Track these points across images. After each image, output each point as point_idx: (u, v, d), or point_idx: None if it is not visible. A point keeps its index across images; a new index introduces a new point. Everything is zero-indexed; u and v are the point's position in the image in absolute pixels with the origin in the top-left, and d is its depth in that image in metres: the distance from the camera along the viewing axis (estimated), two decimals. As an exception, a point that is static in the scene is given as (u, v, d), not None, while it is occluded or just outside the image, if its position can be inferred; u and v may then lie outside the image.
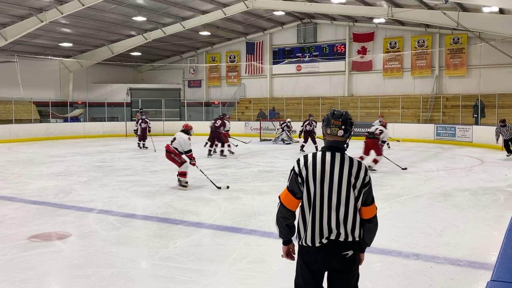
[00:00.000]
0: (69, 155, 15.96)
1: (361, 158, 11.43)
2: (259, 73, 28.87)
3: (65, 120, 26.65)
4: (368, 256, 5.12)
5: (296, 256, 2.89)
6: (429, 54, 23.97)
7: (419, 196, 8.57)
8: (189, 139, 9.49)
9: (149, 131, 18.27)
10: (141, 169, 12.29)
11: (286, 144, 20.13)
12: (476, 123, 19.91)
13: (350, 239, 2.71)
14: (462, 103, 21.42)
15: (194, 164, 9.37)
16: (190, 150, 9.38)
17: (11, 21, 20.66)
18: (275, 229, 6.16)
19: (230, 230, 6.28)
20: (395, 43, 24.77)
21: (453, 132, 19.67)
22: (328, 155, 2.75)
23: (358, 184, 2.71)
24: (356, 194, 2.70)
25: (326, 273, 2.83)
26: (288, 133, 20.60)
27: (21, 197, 8.61)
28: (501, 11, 17.50)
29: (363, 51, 25.58)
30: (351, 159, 2.76)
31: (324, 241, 2.69)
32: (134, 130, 18.53)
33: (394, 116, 23.22)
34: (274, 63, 28.28)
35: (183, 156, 9.44)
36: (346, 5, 21.17)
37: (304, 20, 26.80)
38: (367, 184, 2.74)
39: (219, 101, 29.36)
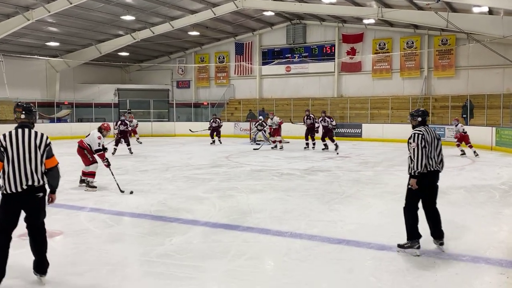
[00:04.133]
0: (57, 155, 15.51)
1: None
2: (248, 73, 28.75)
3: (52, 120, 26.20)
4: (369, 252, 5.08)
5: None
6: (418, 55, 24.08)
7: (414, 193, 8.50)
8: (99, 138, 9.07)
9: (131, 134, 16.30)
10: (131, 168, 12.08)
11: (257, 144, 19.10)
12: (466, 123, 20.02)
13: (40, 183, 4.10)
14: (451, 104, 21.54)
15: (107, 166, 8.92)
16: (100, 150, 9.03)
17: (-4, 20, 20.30)
18: (272, 226, 6.07)
19: (227, 227, 6.14)
20: (384, 44, 24.84)
21: (443, 132, 19.71)
22: (19, 130, 4.08)
23: (42, 146, 4.09)
24: (41, 153, 4.08)
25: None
26: (264, 133, 19.63)
27: (9, 196, 8.35)
28: (490, 11, 17.62)
29: (352, 52, 25.61)
30: (35, 132, 4.12)
31: (25, 187, 4.00)
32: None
33: (383, 117, 23.27)
34: (264, 63, 28.18)
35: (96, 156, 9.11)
36: (336, 5, 21.15)
37: (294, 21, 26.76)
38: (48, 145, 4.14)
39: (208, 102, 29.17)
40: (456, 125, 15.54)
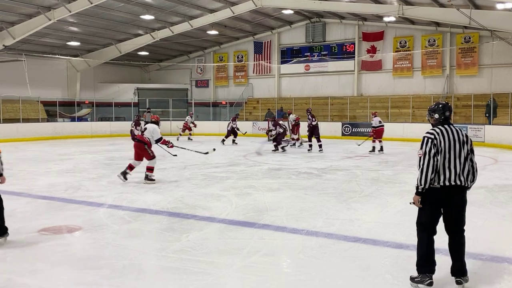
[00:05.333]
0: (77, 154, 15.90)
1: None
2: (267, 72, 28.73)
3: (72, 119, 26.62)
4: (386, 250, 5.02)
5: None
6: (439, 53, 23.72)
7: (434, 192, 8.38)
8: (159, 127, 9.98)
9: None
10: (150, 166, 12.16)
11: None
12: (489, 122, 19.67)
13: None
14: (473, 103, 21.15)
15: (172, 146, 10.11)
16: (162, 138, 9.77)
17: (19, 20, 20.65)
18: (288, 224, 6.05)
19: (243, 224, 6.14)
20: (405, 42, 24.54)
21: (465, 132, 19.44)
22: None
23: None
24: None
25: None
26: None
27: (30, 192, 8.53)
28: (514, 8, 17.25)
29: (372, 50, 25.36)
30: None
31: None
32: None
33: (405, 116, 22.99)
34: (282, 62, 28.11)
35: (152, 149, 9.72)
36: (356, 3, 20.98)
37: (313, 19, 26.64)
38: None
39: (226, 101, 29.24)
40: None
